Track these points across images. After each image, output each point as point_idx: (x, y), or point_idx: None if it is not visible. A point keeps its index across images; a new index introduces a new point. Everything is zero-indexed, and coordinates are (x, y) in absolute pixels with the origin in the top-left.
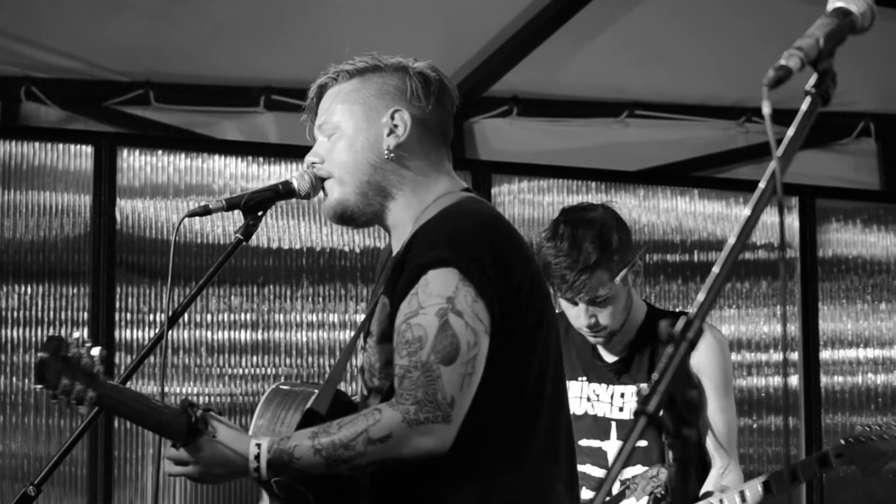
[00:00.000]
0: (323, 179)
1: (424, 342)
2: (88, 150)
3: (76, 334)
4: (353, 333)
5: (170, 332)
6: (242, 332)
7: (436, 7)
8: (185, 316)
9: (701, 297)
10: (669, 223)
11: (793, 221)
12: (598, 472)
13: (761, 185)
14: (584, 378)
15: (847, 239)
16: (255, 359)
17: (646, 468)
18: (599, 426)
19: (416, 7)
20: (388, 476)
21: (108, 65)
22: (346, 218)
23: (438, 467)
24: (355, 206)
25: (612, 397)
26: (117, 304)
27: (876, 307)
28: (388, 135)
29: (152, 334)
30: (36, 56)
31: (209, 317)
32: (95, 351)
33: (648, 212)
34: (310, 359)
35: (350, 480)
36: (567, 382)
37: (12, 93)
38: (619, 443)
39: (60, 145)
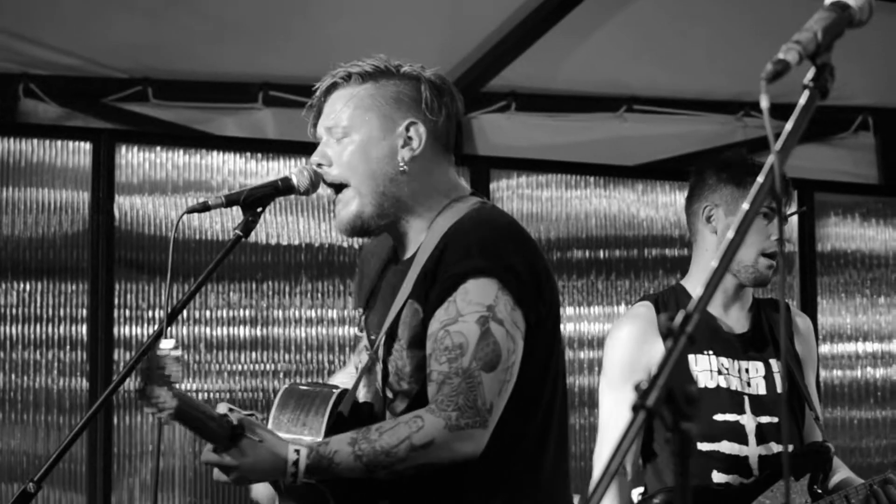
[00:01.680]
0: (336, 187)
1: (466, 349)
2: (87, 146)
3: (171, 343)
4: (356, 331)
5: (169, 328)
6: (241, 328)
7: (434, 2)
8: (184, 312)
9: (700, 290)
10: (668, 218)
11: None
12: (736, 450)
13: (760, 178)
14: (711, 351)
15: (846, 233)
16: (254, 355)
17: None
18: (734, 400)
19: (414, 3)
20: (411, 478)
21: (106, 61)
22: (361, 230)
23: (463, 470)
24: (370, 218)
25: (739, 371)
26: (116, 301)
27: (875, 301)
28: (403, 147)
29: (151, 331)
30: (34, 53)
31: (208, 313)
32: (180, 362)
33: (647, 206)
34: (309, 355)
35: (371, 480)
36: (692, 356)
37: (10, 90)
38: (753, 418)
39: (59, 142)
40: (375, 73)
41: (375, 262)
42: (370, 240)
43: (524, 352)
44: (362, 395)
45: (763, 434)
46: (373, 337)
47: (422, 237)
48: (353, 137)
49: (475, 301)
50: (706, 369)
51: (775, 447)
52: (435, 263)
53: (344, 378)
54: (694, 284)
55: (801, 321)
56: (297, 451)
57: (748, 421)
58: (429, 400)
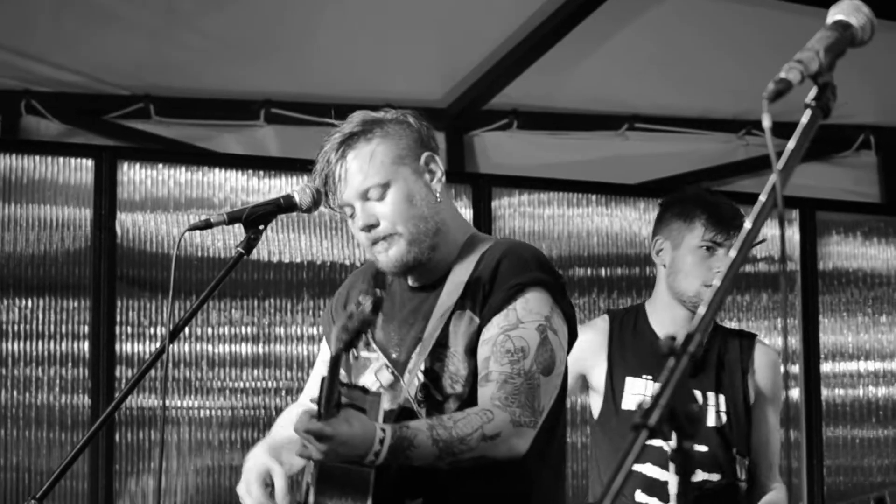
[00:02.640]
0: (382, 238)
1: (528, 352)
2: (89, 163)
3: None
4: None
5: (171, 345)
6: (243, 345)
7: (435, 21)
8: (186, 329)
9: (702, 310)
10: None
11: (793, 234)
12: (657, 473)
13: (762, 197)
14: (650, 377)
15: (847, 251)
16: (255, 372)
17: (706, 473)
18: None
19: (415, 20)
20: (447, 477)
21: (109, 78)
22: (412, 269)
23: (501, 470)
24: (422, 254)
25: None
26: (118, 318)
27: (876, 320)
28: (432, 180)
29: (153, 348)
30: (36, 70)
31: (210, 330)
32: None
33: (648, 225)
34: (310, 372)
35: (408, 478)
36: (629, 378)
37: (12, 106)
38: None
39: (61, 159)
40: (373, 128)
41: (359, 290)
42: (349, 277)
43: None
44: (389, 406)
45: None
46: (394, 355)
47: (447, 262)
48: (394, 189)
49: (535, 310)
50: (640, 393)
51: (700, 475)
52: (491, 275)
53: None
54: (651, 310)
55: (761, 356)
56: (384, 430)
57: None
58: (484, 399)
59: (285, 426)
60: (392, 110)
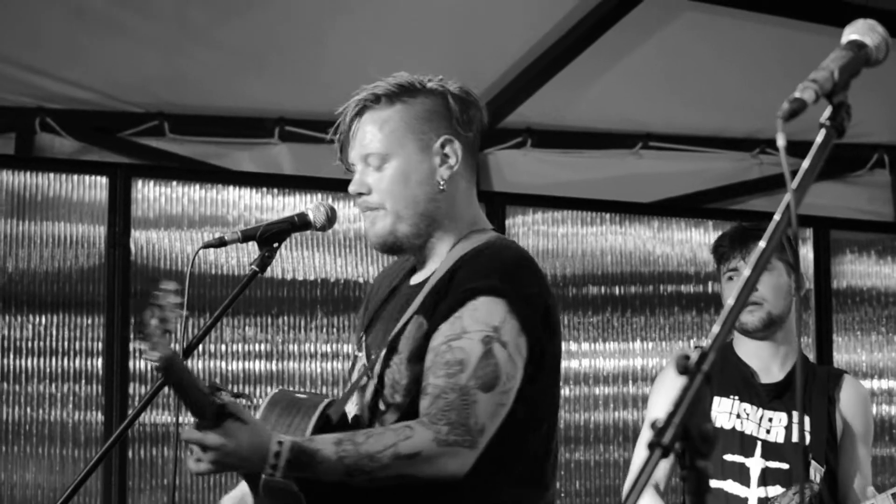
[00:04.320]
0: (368, 209)
1: (466, 366)
2: (103, 180)
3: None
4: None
5: (184, 362)
6: (257, 362)
7: (450, 38)
8: (200, 346)
9: (716, 329)
10: (684, 255)
11: (807, 253)
12: (738, 490)
13: (776, 216)
14: (737, 396)
15: (861, 270)
16: (269, 389)
17: (785, 489)
18: (746, 443)
19: (430, 38)
20: (398, 492)
21: (123, 96)
22: (395, 248)
23: (449, 490)
24: (405, 236)
25: (760, 419)
26: (132, 335)
27: (890, 338)
28: (441, 165)
29: None
30: (50, 87)
31: (223, 347)
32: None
33: (663, 243)
34: (324, 389)
35: (347, 491)
36: (717, 398)
37: (27, 124)
38: (762, 461)
39: (75, 176)
40: (402, 93)
41: (384, 286)
42: (387, 266)
43: (527, 379)
44: (352, 410)
45: (766, 477)
46: (374, 356)
47: (440, 259)
48: (392, 163)
49: (482, 320)
50: (726, 412)
51: (779, 490)
52: (447, 281)
53: None
54: (736, 344)
55: (849, 388)
56: (280, 443)
57: (754, 464)
58: (420, 413)
59: None
60: (439, 80)
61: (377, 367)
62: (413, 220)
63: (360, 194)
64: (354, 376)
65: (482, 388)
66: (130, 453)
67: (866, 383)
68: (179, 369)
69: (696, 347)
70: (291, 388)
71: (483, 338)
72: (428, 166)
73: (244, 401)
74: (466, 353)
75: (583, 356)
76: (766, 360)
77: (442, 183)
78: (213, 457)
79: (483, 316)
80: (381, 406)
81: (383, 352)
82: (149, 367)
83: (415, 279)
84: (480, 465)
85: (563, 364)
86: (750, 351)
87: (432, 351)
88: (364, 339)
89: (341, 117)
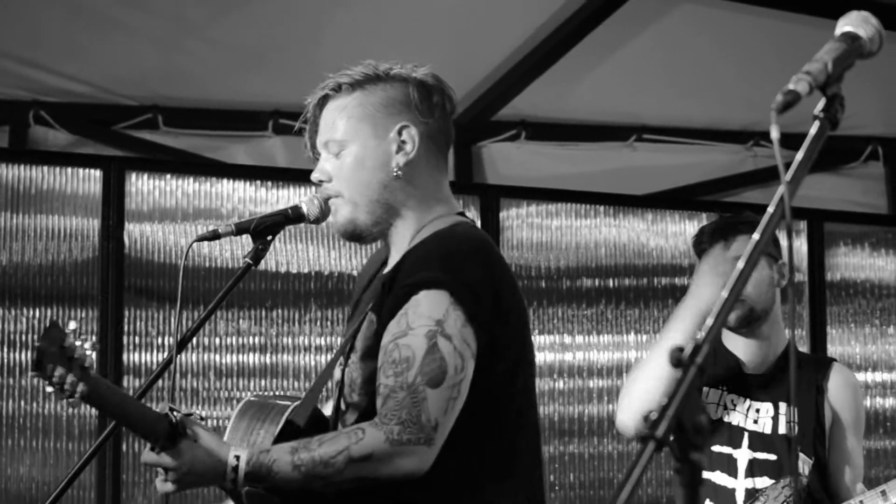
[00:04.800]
0: (329, 198)
1: (412, 363)
2: (97, 174)
3: (73, 325)
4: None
5: (178, 355)
6: (251, 355)
7: (443, 31)
8: (194, 339)
9: (710, 321)
10: (678, 247)
11: (801, 245)
12: (726, 481)
13: (770, 208)
14: (724, 387)
15: (855, 263)
16: (263, 382)
17: (773, 481)
18: (733, 434)
19: (423, 31)
20: (369, 493)
21: (117, 89)
22: (355, 236)
23: (426, 486)
24: (364, 224)
25: (747, 409)
26: (126, 328)
27: (884, 331)
28: (397, 152)
29: (160, 358)
30: (44, 80)
31: (217, 340)
32: (88, 344)
33: (657, 236)
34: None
35: (323, 495)
36: (705, 388)
37: (21, 117)
38: (749, 452)
39: (69, 169)
40: (364, 81)
41: (366, 278)
42: (371, 255)
43: (483, 370)
44: (329, 409)
45: (753, 468)
46: (348, 350)
47: (403, 249)
48: (349, 150)
49: (425, 314)
50: (714, 402)
51: (767, 482)
52: (393, 274)
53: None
54: (724, 336)
55: (837, 377)
56: (237, 457)
57: (741, 455)
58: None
59: None
60: (408, 66)
61: (339, 367)
62: (369, 207)
63: (321, 182)
64: (337, 371)
65: (430, 384)
66: (124, 447)
67: (860, 376)
68: (111, 398)
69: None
70: (260, 395)
71: (427, 332)
72: (383, 152)
73: (197, 419)
74: (412, 350)
75: (577, 349)
76: (752, 352)
77: (396, 169)
78: (172, 477)
79: (425, 310)
80: (342, 406)
81: (347, 349)
82: (142, 360)
83: (387, 268)
84: (447, 462)
85: (558, 357)
86: (736, 342)
87: (382, 350)
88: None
89: (307, 108)
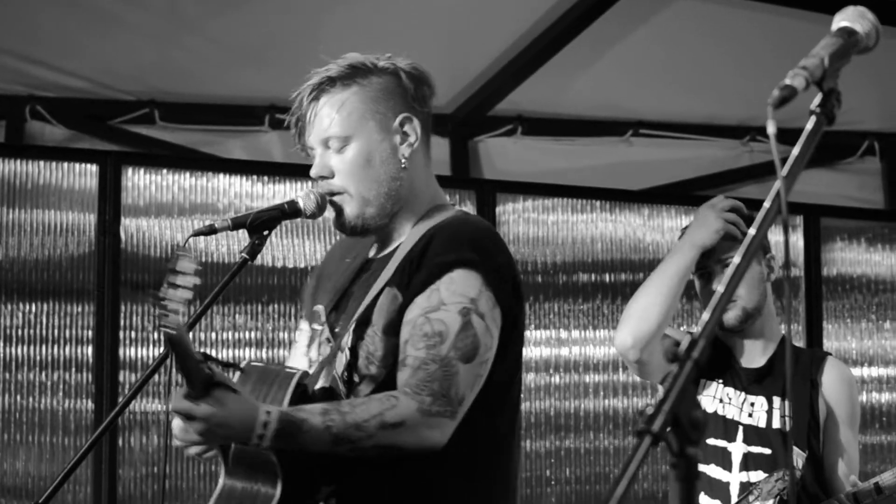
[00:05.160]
0: (332, 194)
1: (446, 337)
2: (93, 168)
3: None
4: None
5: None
6: (247, 350)
7: (440, 26)
8: (190, 334)
9: (706, 316)
10: (674, 242)
11: (797, 240)
12: (720, 474)
13: (766, 204)
14: (720, 380)
15: (851, 258)
16: None
17: (767, 474)
18: (728, 428)
19: (420, 26)
20: (370, 466)
21: (113, 84)
22: (362, 231)
23: (435, 460)
24: (372, 219)
25: (742, 403)
26: (121, 323)
27: (880, 326)
28: (402, 143)
29: (156, 353)
30: (41, 75)
31: (214, 335)
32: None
33: (653, 231)
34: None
35: (322, 466)
36: (703, 380)
37: (17, 112)
38: (744, 446)
39: (65, 164)
40: (355, 74)
41: (342, 262)
42: (337, 243)
43: (499, 351)
44: (319, 383)
45: (748, 462)
46: (337, 330)
47: (404, 234)
48: (354, 145)
49: (459, 292)
50: (710, 395)
51: (761, 475)
52: (420, 252)
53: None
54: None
55: (831, 371)
56: (269, 413)
57: (736, 448)
58: (398, 384)
59: None
60: (388, 58)
61: (347, 340)
62: (378, 200)
63: (323, 178)
64: (314, 351)
65: (462, 358)
66: (121, 441)
67: (856, 371)
68: (186, 340)
69: (686, 333)
70: (259, 361)
71: (461, 309)
72: (389, 145)
73: (233, 371)
74: (446, 325)
75: (573, 344)
76: (747, 346)
77: (404, 161)
78: (201, 427)
79: (460, 288)
80: (356, 378)
81: (352, 325)
82: (138, 355)
83: (379, 252)
84: (462, 436)
85: (554, 352)
86: (731, 337)
87: (409, 323)
88: (329, 314)
89: (296, 102)
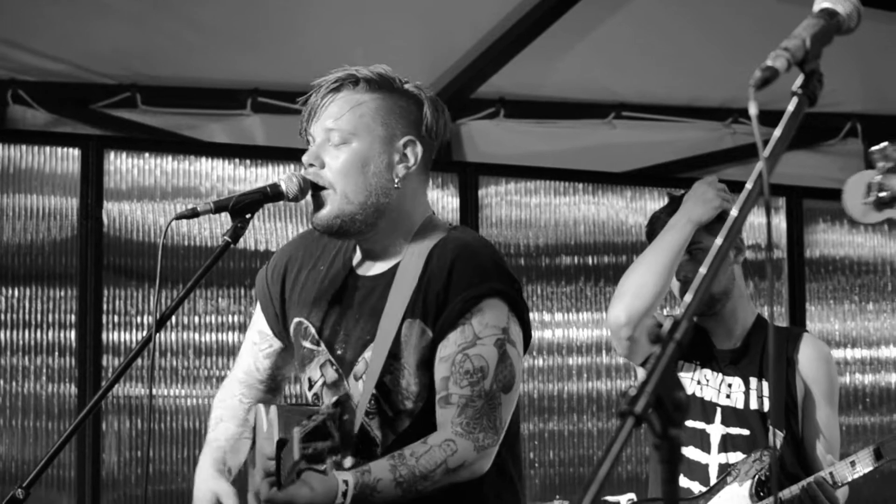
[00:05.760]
0: (317, 185)
1: (487, 372)
2: (75, 152)
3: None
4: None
5: (157, 334)
6: (230, 333)
7: (422, 9)
8: (173, 318)
9: (688, 297)
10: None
11: (780, 222)
12: (699, 456)
13: (748, 185)
14: (698, 362)
15: (834, 239)
16: None
17: (745, 455)
18: (706, 409)
19: (402, 9)
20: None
21: (95, 67)
22: (339, 232)
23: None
24: (352, 223)
25: (720, 384)
26: (104, 307)
27: (863, 307)
28: (399, 163)
29: (140, 337)
30: (22, 59)
31: (197, 319)
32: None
33: (635, 213)
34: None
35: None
36: (681, 362)
37: None
38: (722, 427)
39: (47, 148)
40: (382, 84)
41: (309, 269)
42: (296, 240)
43: None
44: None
45: (726, 444)
46: (339, 353)
47: (398, 254)
48: (353, 146)
49: (492, 324)
50: (688, 377)
51: (740, 456)
52: (445, 282)
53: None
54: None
55: (807, 348)
56: (346, 482)
57: (714, 430)
58: (443, 420)
59: (224, 415)
60: (417, 85)
61: (363, 368)
62: (361, 207)
63: (312, 166)
64: (314, 371)
65: (503, 389)
66: (104, 425)
67: (839, 352)
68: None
69: (668, 316)
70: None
71: (496, 341)
72: (386, 160)
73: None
74: (485, 360)
75: (556, 326)
76: (721, 328)
77: (396, 180)
78: None
79: (491, 320)
80: (389, 412)
81: (368, 352)
82: (122, 339)
83: (370, 270)
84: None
85: (538, 334)
86: (705, 319)
87: (446, 360)
88: (320, 331)
89: (315, 89)
